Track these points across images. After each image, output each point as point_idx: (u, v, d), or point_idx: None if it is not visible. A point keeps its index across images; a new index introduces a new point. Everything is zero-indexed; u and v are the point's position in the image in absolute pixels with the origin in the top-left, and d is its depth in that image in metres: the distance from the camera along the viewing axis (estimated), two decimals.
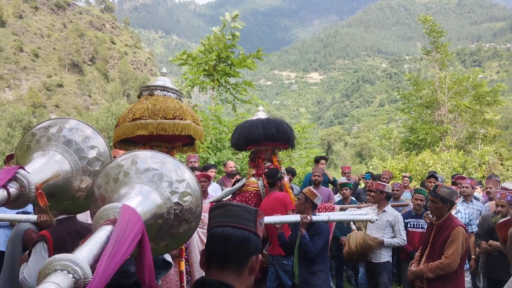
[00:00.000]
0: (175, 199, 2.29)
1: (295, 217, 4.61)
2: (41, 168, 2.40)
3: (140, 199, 2.12)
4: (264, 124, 5.50)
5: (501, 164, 17.28)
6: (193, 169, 7.54)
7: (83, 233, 3.35)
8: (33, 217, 4.28)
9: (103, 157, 2.72)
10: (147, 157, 2.39)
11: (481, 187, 8.78)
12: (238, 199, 5.55)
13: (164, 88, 4.33)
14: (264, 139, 5.49)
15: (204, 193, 6.40)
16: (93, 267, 1.44)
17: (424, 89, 19.45)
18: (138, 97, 4.47)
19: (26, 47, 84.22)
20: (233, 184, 6.82)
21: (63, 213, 3.95)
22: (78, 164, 2.59)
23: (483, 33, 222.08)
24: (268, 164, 5.70)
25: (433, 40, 19.51)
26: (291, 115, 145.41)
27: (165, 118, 4.05)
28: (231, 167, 8.17)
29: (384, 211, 5.63)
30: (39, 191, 2.20)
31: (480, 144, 18.66)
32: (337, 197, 7.63)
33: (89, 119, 41.37)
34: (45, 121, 2.78)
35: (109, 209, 1.82)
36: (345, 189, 7.23)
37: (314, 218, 4.59)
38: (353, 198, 7.52)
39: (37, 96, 75.85)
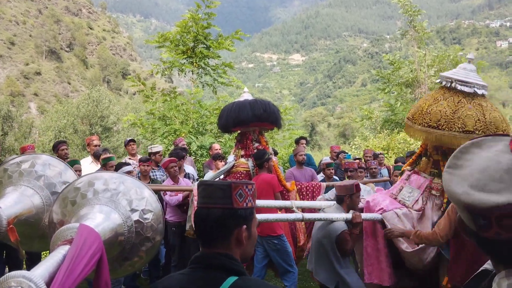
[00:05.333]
0: (135, 217, 2.34)
1: None
2: (13, 203, 2.40)
3: (99, 219, 2.14)
4: (252, 105, 5.58)
5: None
6: (183, 149, 7.51)
7: None
8: (349, 215, 4.32)
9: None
10: (104, 178, 2.41)
11: None
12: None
13: (483, 87, 4.12)
14: (253, 120, 5.56)
15: (175, 178, 6.39)
16: (49, 284, 1.46)
17: (404, 67, 19.52)
18: (445, 87, 4.17)
19: (1, 35, 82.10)
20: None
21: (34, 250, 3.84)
22: (50, 200, 2.58)
23: (462, 10, 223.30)
24: (256, 144, 5.80)
25: (410, 19, 19.60)
26: (274, 98, 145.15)
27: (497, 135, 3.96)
28: (216, 149, 8.21)
29: None
30: (11, 226, 2.18)
31: None
32: (320, 177, 7.71)
33: (70, 106, 40.66)
34: (16, 156, 2.82)
35: (66, 230, 1.83)
36: (331, 169, 7.30)
37: None
38: (336, 177, 7.60)
39: (15, 84, 74.30)
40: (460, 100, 4.02)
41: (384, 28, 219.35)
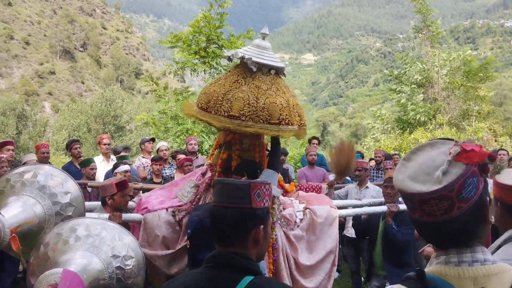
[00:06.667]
0: (117, 263, 2.37)
1: (381, 208, 4.43)
2: (16, 213, 2.44)
3: (82, 265, 2.17)
4: None
5: (495, 141, 17.39)
6: (192, 153, 7.60)
7: None
8: (104, 216, 3.73)
9: (76, 202, 2.77)
10: (86, 224, 2.44)
11: None
12: None
13: (267, 67, 3.46)
14: None
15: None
16: None
17: (416, 67, 19.35)
18: (229, 60, 3.57)
19: (16, 35, 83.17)
20: None
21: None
22: (51, 209, 2.63)
23: (476, 9, 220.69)
24: None
25: (423, 18, 19.46)
26: None
27: (269, 123, 3.29)
28: None
29: (367, 187, 5.82)
30: (13, 234, 2.23)
31: (474, 121, 18.73)
32: (332, 177, 7.67)
33: (84, 106, 41.01)
34: (19, 167, 2.87)
35: (49, 275, 1.89)
36: None
37: (402, 206, 4.34)
38: (347, 178, 7.56)
39: (29, 84, 75.21)
40: (238, 80, 3.39)
41: (397, 27, 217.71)
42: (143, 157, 7.84)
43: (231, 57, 3.49)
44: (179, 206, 3.73)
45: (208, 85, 3.66)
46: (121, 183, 3.87)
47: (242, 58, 3.43)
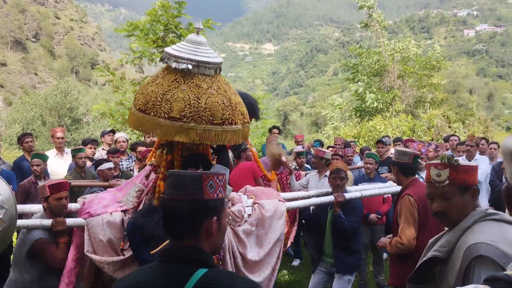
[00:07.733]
0: None
1: (329, 198, 4.49)
2: None
3: None
4: None
5: (449, 127, 18.02)
6: (152, 144, 7.44)
7: None
8: (47, 221, 3.53)
9: (7, 204, 2.66)
10: None
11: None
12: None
13: (206, 64, 3.26)
14: None
15: None
16: None
17: (371, 57, 19.75)
18: (162, 60, 3.33)
19: None
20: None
21: None
22: None
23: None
24: None
25: (368, 12, 20.12)
26: (246, 87, 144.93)
27: (212, 123, 3.11)
28: None
29: (326, 175, 5.82)
30: None
31: (429, 108, 19.31)
32: (293, 166, 7.76)
33: (37, 98, 39.63)
34: None
35: None
36: (303, 158, 7.36)
37: (348, 195, 4.49)
38: (308, 166, 7.67)
39: None
40: (176, 79, 3.20)
41: (355, 17, 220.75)
42: (103, 149, 7.66)
43: (165, 59, 3.28)
44: (124, 211, 3.57)
45: (144, 85, 3.42)
46: (56, 186, 3.58)
47: (173, 63, 3.20)
